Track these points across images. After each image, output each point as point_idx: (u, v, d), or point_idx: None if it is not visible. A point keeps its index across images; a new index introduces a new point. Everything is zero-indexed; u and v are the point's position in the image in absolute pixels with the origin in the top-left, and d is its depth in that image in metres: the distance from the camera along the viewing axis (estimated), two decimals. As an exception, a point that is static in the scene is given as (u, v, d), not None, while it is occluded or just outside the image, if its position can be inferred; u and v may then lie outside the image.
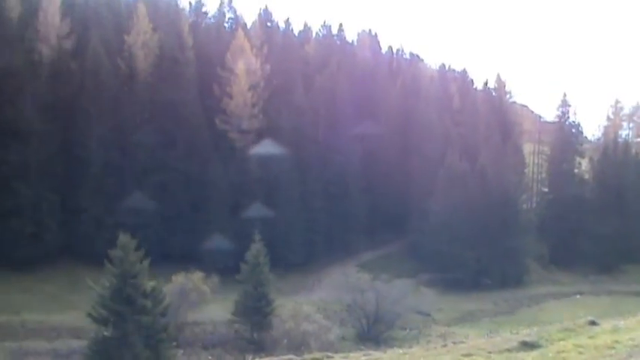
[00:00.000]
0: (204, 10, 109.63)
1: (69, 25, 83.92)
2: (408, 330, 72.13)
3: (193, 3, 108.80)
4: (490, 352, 23.55)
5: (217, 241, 75.24)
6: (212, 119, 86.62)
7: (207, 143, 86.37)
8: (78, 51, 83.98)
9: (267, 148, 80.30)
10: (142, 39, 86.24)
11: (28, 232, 75.78)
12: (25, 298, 72.11)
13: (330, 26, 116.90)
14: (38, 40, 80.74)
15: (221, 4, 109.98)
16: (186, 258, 77.17)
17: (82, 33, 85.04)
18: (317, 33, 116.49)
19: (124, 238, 45.82)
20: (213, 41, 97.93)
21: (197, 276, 65.48)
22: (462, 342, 30.02)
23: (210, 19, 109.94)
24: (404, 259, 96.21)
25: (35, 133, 77.41)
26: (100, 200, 79.22)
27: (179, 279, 64.01)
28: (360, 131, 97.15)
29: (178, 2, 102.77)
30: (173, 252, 79.74)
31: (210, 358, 61.19)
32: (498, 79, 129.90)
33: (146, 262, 46.07)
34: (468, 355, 23.32)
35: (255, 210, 77.34)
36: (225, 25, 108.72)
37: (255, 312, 63.85)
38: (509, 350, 23.70)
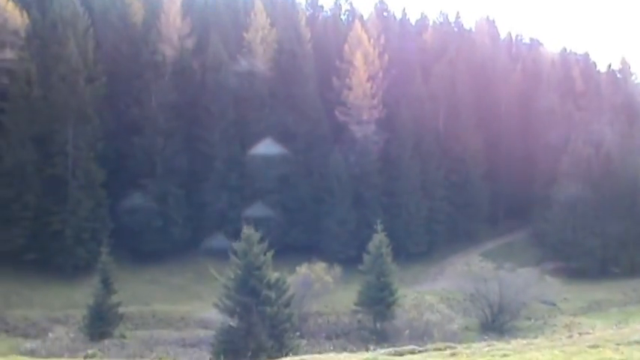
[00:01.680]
0: (319, 3, 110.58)
1: (189, 25, 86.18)
2: (532, 320, 70.76)
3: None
4: (618, 344, 22.94)
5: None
6: (332, 111, 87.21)
7: (327, 135, 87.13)
8: (199, 50, 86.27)
9: (266, 148, 79.86)
10: (260, 35, 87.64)
11: (156, 226, 78.56)
12: (154, 290, 74.82)
13: (447, 14, 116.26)
14: (161, 42, 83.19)
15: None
16: (308, 249, 78.41)
17: (202, 32, 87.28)
18: (434, 22, 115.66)
19: (247, 230, 46.64)
20: (331, 34, 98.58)
21: (320, 266, 66.10)
22: (589, 333, 29.39)
23: (326, 12, 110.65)
24: (527, 248, 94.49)
25: (160, 131, 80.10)
26: (223, 194, 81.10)
27: (302, 270, 64.76)
28: (480, 118, 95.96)
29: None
30: (296, 243, 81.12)
31: (332, 348, 61.65)
32: (623, 61, 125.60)
33: (269, 254, 46.75)
34: (595, 346, 22.78)
35: (257, 210, 77.33)
36: (342, 17, 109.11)
37: (378, 302, 63.93)
38: (638, 342, 23.03)
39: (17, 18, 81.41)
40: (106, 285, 61.79)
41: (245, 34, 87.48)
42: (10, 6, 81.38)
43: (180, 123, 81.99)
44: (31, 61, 76.73)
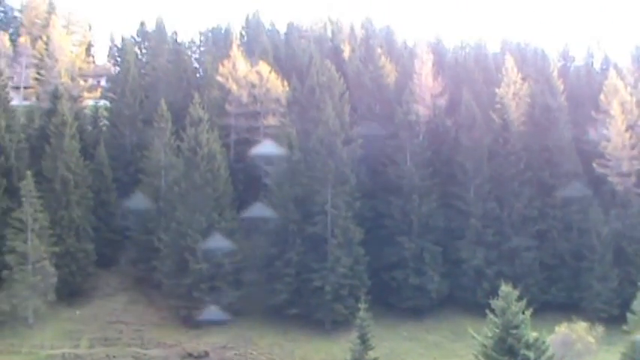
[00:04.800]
0: (571, 53, 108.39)
1: (441, 83, 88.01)
2: None
3: (560, 48, 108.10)
4: None
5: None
6: (589, 164, 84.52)
7: (585, 189, 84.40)
8: (451, 107, 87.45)
9: (266, 148, 76.54)
10: (512, 89, 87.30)
11: (412, 282, 79.49)
12: (411, 346, 75.65)
13: None
14: (414, 101, 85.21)
15: (589, 45, 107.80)
16: (568, 307, 75.96)
17: (454, 90, 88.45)
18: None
19: (505, 288, 46.08)
20: (584, 84, 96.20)
21: (581, 326, 63.82)
22: None
23: (578, 62, 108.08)
24: None
25: (416, 189, 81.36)
26: (479, 251, 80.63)
27: (562, 329, 62.82)
28: None
29: (544, 49, 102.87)
30: (554, 301, 78.86)
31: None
32: None
33: (528, 313, 45.92)
34: None
35: (257, 210, 74.09)
36: (595, 66, 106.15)
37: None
38: None
39: (279, 87, 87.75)
40: (364, 341, 63.11)
41: (497, 90, 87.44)
42: (273, 76, 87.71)
43: (435, 181, 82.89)
44: (291, 126, 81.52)
